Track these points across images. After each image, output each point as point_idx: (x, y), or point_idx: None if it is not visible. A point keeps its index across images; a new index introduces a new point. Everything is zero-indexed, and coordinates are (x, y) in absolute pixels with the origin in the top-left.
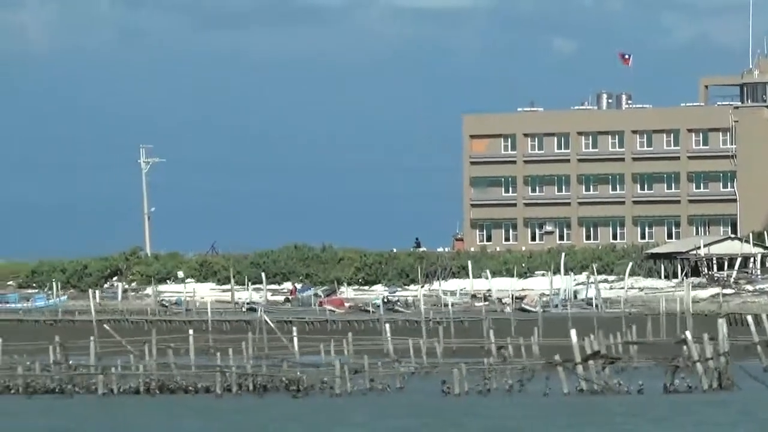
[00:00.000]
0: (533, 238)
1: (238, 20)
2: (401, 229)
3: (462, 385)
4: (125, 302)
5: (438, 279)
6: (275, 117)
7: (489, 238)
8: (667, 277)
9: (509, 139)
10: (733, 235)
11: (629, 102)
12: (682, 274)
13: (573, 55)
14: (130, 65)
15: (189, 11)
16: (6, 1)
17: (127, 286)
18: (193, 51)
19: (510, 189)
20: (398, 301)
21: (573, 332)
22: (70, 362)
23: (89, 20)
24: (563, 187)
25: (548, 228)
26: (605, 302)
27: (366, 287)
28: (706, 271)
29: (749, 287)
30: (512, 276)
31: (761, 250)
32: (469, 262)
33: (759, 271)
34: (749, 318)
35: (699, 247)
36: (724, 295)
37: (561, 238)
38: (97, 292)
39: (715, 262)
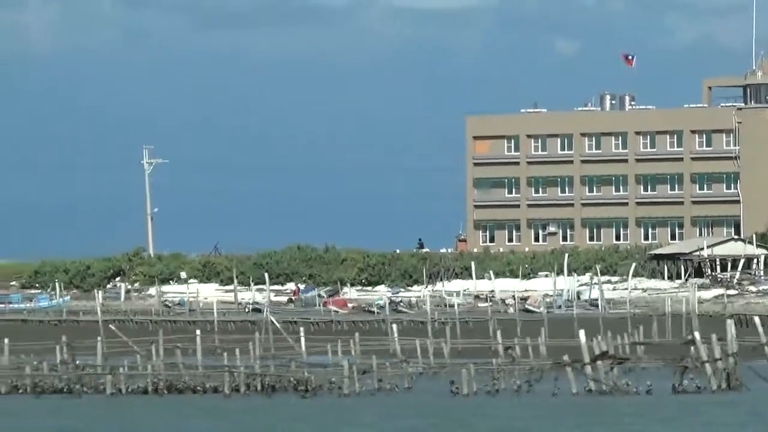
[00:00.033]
0: (536, 239)
1: (238, 20)
2: (403, 229)
3: (470, 385)
4: (128, 303)
5: (441, 280)
6: (275, 117)
7: (492, 239)
8: (670, 278)
9: (512, 141)
10: (736, 237)
11: (632, 103)
12: (685, 275)
13: (575, 56)
14: (130, 65)
15: (189, 11)
16: (8, 1)
17: (129, 287)
18: (194, 51)
19: (513, 190)
20: (401, 301)
21: (582, 333)
22: (78, 362)
23: (90, 20)
24: (566, 188)
25: (551, 229)
26: (608, 303)
27: (369, 288)
28: (709, 272)
29: (752, 288)
30: (515, 277)
31: (764, 251)
32: (473, 263)
33: (762, 272)
34: (756, 319)
35: (702, 248)
36: (728, 296)
37: (564, 239)
38: (100, 292)
39: (718, 263)
